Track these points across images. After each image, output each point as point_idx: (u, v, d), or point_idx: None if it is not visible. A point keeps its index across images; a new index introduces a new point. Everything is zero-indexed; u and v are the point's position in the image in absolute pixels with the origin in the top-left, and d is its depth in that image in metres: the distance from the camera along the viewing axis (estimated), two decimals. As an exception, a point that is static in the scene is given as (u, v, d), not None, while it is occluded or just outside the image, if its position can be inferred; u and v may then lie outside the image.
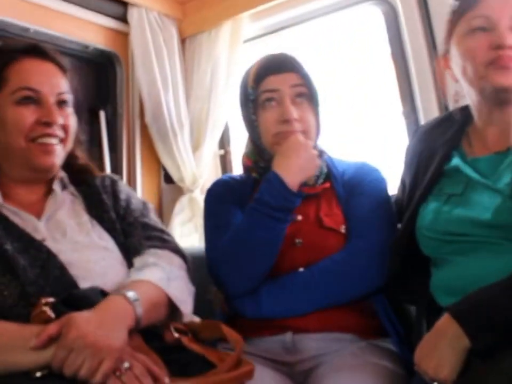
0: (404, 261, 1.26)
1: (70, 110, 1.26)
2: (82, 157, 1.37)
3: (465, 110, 1.27)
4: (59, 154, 1.23)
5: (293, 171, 1.31)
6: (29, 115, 1.18)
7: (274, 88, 1.37)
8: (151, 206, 1.39)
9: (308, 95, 1.38)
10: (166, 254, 1.25)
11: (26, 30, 1.93)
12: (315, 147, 1.39)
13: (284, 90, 1.36)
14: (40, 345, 0.93)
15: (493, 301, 0.95)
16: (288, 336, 1.30)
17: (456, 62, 1.21)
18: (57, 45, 2.06)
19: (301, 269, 1.33)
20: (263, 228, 1.29)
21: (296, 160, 1.31)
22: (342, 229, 1.36)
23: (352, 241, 1.33)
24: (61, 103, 1.23)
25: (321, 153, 1.42)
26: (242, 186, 1.46)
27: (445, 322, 0.97)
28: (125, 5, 2.19)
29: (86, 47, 2.17)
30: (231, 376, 1.02)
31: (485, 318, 0.93)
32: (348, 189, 1.42)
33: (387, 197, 1.42)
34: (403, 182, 1.39)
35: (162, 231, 1.32)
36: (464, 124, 1.27)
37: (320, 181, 1.41)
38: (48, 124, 1.19)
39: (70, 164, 1.32)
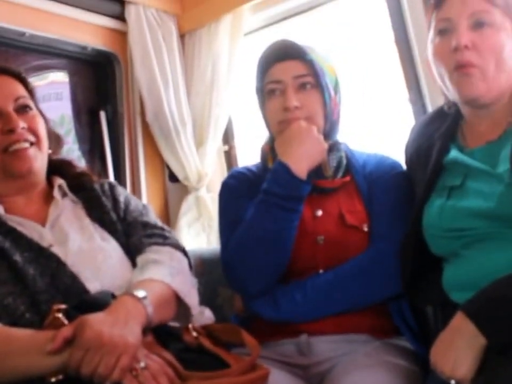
0: (415, 261, 1.23)
1: (33, 112, 1.26)
2: (79, 165, 1.40)
3: (456, 104, 1.25)
4: (35, 157, 1.23)
5: (298, 157, 1.28)
6: None
7: (277, 79, 1.36)
8: (151, 207, 1.41)
9: (312, 83, 1.35)
10: (167, 250, 1.26)
11: (22, 34, 1.91)
12: (327, 135, 1.36)
13: (287, 81, 1.35)
14: (56, 348, 0.94)
15: (506, 297, 0.94)
16: (303, 338, 1.28)
17: (433, 65, 1.21)
18: (55, 47, 2.05)
19: (321, 270, 1.31)
20: (273, 220, 1.26)
21: (300, 146, 1.29)
22: (365, 227, 1.32)
23: (377, 243, 1.30)
24: (21, 108, 1.24)
25: (336, 144, 1.38)
26: (259, 178, 1.41)
27: (460, 320, 0.96)
28: (122, 3, 2.16)
29: (84, 48, 2.15)
30: (246, 378, 1.03)
31: (500, 315, 0.93)
32: (370, 183, 1.38)
33: (409, 194, 1.36)
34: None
35: (162, 228, 1.33)
36: (457, 117, 1.26)
37: (340, 174, 1.37)
38: (11, 131, 1.20)
39: (67, 171, 1.35)
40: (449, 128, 1.25)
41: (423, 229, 1.20)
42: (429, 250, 1.21)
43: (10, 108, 1.21)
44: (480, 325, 0.92)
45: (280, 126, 1.36)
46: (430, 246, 1.20)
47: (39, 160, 1.24)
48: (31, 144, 1.23)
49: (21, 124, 1.21)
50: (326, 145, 1.34)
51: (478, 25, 1.12)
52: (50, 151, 1.31)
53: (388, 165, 1.42)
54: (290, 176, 1.26)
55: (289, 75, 1.34)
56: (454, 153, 1.19)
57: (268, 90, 1.38)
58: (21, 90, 1.27)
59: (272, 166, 1.33)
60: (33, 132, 1.24)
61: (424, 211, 1.20)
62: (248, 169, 1.49)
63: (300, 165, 1.28)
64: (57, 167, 1.34)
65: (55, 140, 1.35)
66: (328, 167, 1.35)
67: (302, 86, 1.35)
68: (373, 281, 1.27)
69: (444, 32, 1.15)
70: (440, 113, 1.31)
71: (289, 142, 1.30)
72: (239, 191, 1.42)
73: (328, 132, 1.37)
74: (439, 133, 1.26)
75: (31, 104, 1.27)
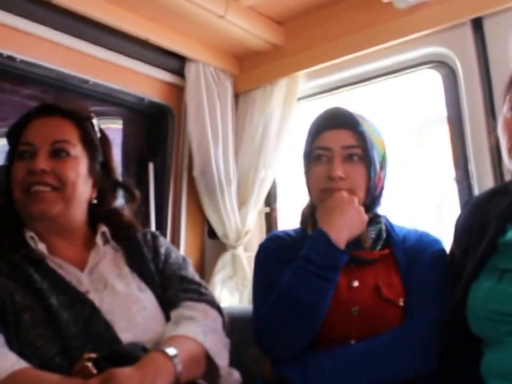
0: (453, 339, 1.19)
1: (70, 158, 1.24)
2: (128, 214, 1.38)
3: None
4: (53, 202, 1.20)
5: (338, 227, 1.28)
6: (22, 168, 1.21)
7: (326, 146, 1.36)
8: (190, 261, 1.41)
9: (360, 155, 1.35)
10: (202, 307, 1.25)
11: (86, 82, 1.98)
12: (368, 208, 1.35)
13: (335, 149, 1.35)
14: None
15: None
16: None
17: (500, 138, 1.20)
18: (114, 96, 2.12)
19: (353, 341, 1.28)
20: (309, 288, 1.25)
21: (341, 216, 1.29)
22: (401, 302, 1.29)
23: (412, 319, 1.27)
24: (56, 152, 1.22)
25: (376, 216, 1.38)
26: (297, 243, 1.40)
27: None
28: (183, 59, 2.23)
29: (142, 99, 2.21)
30: None
31: None
32: (409, 258, 1.36)
33: (447, 272, 1.34)
34: (452, 254, 1.33)
35: (199, 284, 1.32)
36: None
37: (379, 246, 1.36)
38: (33, 172, 1.19)
39: (114, 221, 1.34)
40: (508, 208, 1.21)
41: (467, 308, 1.16)
42: (469, 330, 1.16)
43: (43, 149, 1.21)
44: None
45: (322, 194, 1.36)
46: (472, 326, 1.15)
47: (58, 205, 1.21)
48: (55, 188, 1.21)
49: (43, 166, 1.19)
50: (366, 217, 1.33)
51: None
52: (95, 201, 1.30)
53: (428, 241, 1.40)
54: (329, 244, 1.26)
55: (338, 144, 1.35)
56: (511, 234, 1.15)
57: (315, 156, 1.38)
58: (66, 133, 1.25)
59: (312, 233, 1.33)
60: (60, 177, 1.21)
61: (471, 290, 1.16)
62: (286, 233, 1.49)
63: (340, 235, 1.27)
64: (105, 216, 1.33)
65: (112, 191, 1.35)
66: (367, 238, 1.35)
67: (349, 157, 1.35)
68: (405, 358, 1.24)
69: None
70: (500, 191, 1.29)
71: (331, 212, 1.30)
72: (276, 255, 1.41)
73: (369, 205, 1.37)
74: (496, 211, 1.22)
75: (72, 149, 1.24)
